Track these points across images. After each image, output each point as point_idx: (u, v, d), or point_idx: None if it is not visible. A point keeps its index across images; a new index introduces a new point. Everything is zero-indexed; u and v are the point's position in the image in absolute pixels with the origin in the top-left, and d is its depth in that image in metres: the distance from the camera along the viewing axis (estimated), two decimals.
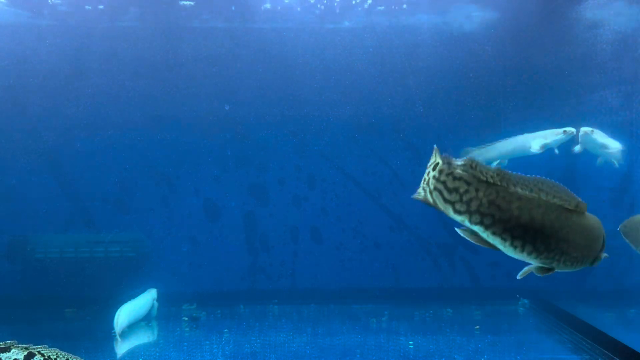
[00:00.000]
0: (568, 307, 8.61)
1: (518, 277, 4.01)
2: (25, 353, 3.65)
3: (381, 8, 9.69)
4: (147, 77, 9.71)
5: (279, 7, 9.67)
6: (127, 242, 9.75)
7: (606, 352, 6.83)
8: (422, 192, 3.84)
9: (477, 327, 8.45)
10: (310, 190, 10.07)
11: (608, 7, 8.95)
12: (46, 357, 3.69)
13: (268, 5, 9.64)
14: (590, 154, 8.56)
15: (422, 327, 8.53)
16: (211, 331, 8.36)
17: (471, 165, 3.47)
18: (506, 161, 8.37)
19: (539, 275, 4.00)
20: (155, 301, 8.85)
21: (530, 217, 3.49)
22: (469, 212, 3.59)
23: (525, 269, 3.92)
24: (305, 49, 9.77)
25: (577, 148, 8.28)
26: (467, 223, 3.65)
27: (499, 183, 3.42)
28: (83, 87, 9.63)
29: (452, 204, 3.65)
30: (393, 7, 9.70)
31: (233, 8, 9.68)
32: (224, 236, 10.02)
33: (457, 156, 3.50)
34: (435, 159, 3.80)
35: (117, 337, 7.65)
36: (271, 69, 9.79)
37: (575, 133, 8.10)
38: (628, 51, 8.79)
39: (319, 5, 9.68)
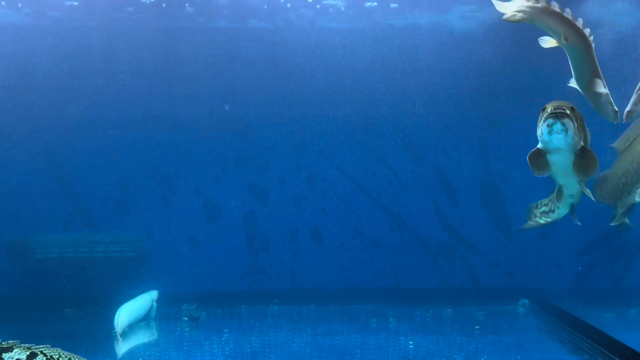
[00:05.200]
0: (568, 307, 8.61)
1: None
2: (28, 353, 3.65)
3: (381, 8, 9.69)
4: (147, 77, 9.71)
5: (279, 7, 9.66)
6: (127, 242, 9.75)
7: (606, 352, 6.83)
8: None
9: (477, 327, 8.46)
10: (310, 190, 10.07)
11: (608, 7, 8.95)
12: (48, 357, 3.69)
13: (270, 6, 9.64)
14: None
15: (422, 327, 8.53)
16: (211, 331, 8.36)
17: None
18: None
19: None
20: (154, 302, 8.85)
21: None
22: None
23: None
24: (305, 49, 9.77)
25: None
26: None
27: None
28: (83, 87, 9.64)
29: None
30: (393, 7, 9.71)
31: (233, 8, 9.68)
32: (224, 236, 10.02)
33: None
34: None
35: (118, 336, 7.64)
36: (271, 69, 9.79)
37: None
38: (628, 51, 8.80)
39: (318, 6, 9.69)
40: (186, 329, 8.45)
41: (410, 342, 7.66)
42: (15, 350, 3.65)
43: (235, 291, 9.93)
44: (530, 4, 6.19)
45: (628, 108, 6.44)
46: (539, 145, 6.00)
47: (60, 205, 9.74)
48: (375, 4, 9.66)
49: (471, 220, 10.04)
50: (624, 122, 6.49)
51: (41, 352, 3.69)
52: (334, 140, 10.01)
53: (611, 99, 6.38)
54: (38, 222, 9.71)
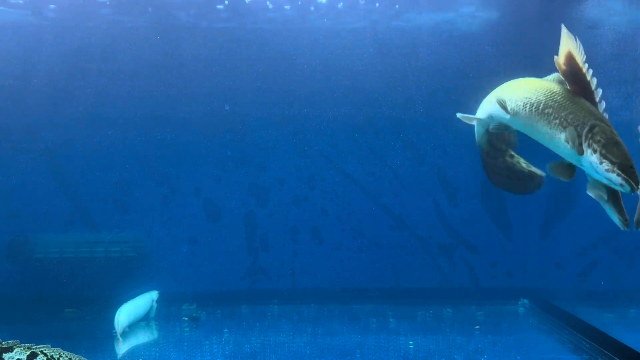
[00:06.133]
0: (568, 307, 8.61)
1: None
2: (28, 353, 3.65)
3: (381, 8, 9.69)
4: (147, 77, 9.71)
5: (279, 7, 9.67)
6: (127, 242, 9.75)
7: (606, 352, 6.84)
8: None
9: (477, 327, 8.46)
10: (310, 190, 10.07)
11: (608, 7, 8.95)
12: (49, 357, 3.69)
13: (270, 6, 9.64)
14: None
15: (422, 327, 8.54)
16: (211, 331, 8.37)
17: None
18: None
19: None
20: (154, 302, 8.85)
21: None
22: None
23: None
24: (305, 49, 9.77)
25: None
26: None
27: None
28: (83, 87, 9.63)
29: None
30: (393, 7, 9.71)
31: (232, 8, 9.68)
32: (224, 236, 10.02)
33: None
34: None
35: (118, 336, 7.65)
36: (271, 69, 9.79)
37: None
38: (628, 51, 8.79)
39: (319, 6, 9.68)
40: (186, 329, 8.45)
41: (410, 342, 7.67)
42: (15, 350, 3.66)
43: (235, 291, 9.94)
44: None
45: (637, 216, 6.23)
46: (574, 163, 5.32)
47: (60, 205, 9.74)
48: (375, 4, 9.65)
49: (471, 220, 10.05)
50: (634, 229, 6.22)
51: (41, 352, 3.70)
52: (334, 140, 10.01)
53: (622, 203, 6.00)
54: (38, 222, 9.70)
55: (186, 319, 8.92)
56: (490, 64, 9.66)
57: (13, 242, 9.63)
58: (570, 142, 5.16)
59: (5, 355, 3.64)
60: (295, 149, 10.02)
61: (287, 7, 9.68)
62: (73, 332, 8.37)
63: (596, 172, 5.06)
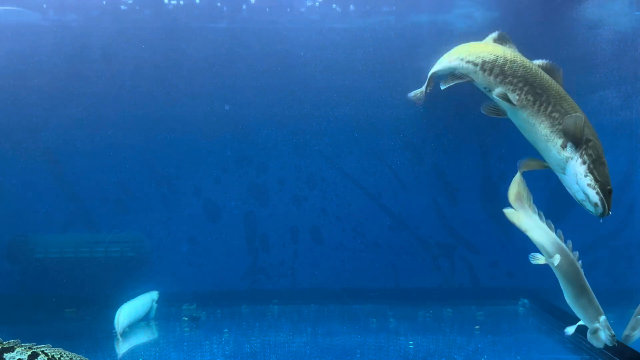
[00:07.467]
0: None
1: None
2: (29, 353, 3.65)
3: (381, 8, 9.69)
4: (147, 77, 9.70)
5: (279, 8, 9.67)
6: (127, 242, 9.75)
7: (606, 352, 6.84)
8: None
9: (477, 327, 8.46)
10: (310, 190, 10.07)
11: (608, 7, 8.95)
12: (50, 357, 3.69)
13: (270, 6, 9.65)
14: None
15: (422, 327, 8.54)
16: (211, 331, 8.37)
17: None
18: None
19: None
20: (154, 302, 8.86)
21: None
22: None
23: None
24: (305, 49, 9.77)
25: None
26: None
27: None
28: (83, 87, 9.62)
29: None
30: (393, 7, 9.71)
31: (233, 8, 9.68)
32: (224, 236, 10.02)
33: None
34: None
35: (119, 336, 7.65)
36: (271, 69, 9.79)
37: None
38: (628, 51, 8.80)
39: (319, 5, 9.69)
40: (186, 329, 8.45)
41: (410, 342, 7.67)
42: (17, 350, 3.66)
43: (235, 291, 9.94)
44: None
45: (625, 332, 6.39)
46: (557, 169, 5.68)
47: (60, 205, 9.74)
48: (375, 3, 9.66)
49: (471, 220, 10.05)
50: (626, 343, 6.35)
51: (42, 352, 3.70)
52: (334, 140, 10.01)
53: (608, 323, 6.07)
54: (38, 222, 9.70)
55: (186, 319, 8.92)
56: None
57: (13, 242, 9.63)
58: (568, 148, 5.45)
59: (7, 355, 3.64)
60: (295, 149, 10.02)
61: (287, 7, 9.68)
62: (73, 332, 8.37)
63: (577, 183, 5.40)
